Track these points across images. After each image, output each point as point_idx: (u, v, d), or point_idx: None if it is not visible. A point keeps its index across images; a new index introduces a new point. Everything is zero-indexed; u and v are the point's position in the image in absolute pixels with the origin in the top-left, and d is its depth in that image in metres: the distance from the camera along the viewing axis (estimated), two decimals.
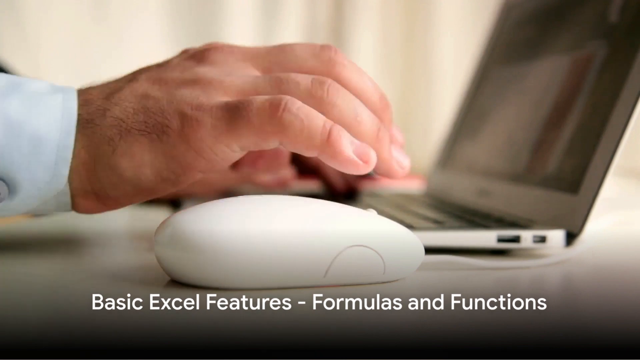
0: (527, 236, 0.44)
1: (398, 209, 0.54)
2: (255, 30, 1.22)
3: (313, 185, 0.72)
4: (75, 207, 0.40)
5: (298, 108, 0.38)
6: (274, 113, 0.37)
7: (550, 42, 0.60)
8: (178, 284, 0.35)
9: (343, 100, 0.40)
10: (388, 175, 0.42)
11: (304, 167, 0.69)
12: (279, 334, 0.29)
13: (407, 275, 0.38)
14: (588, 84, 0.51)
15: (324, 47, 0.42)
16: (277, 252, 0.34)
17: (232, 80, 0.40)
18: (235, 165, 0.49)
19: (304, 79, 0.40)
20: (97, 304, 0.33)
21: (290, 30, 1.23)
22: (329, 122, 0.38)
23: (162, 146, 0.39)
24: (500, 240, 0.44)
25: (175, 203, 0.64)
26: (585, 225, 0.44)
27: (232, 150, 0.39)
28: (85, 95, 0.40)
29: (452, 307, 0.34)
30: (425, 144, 1.24)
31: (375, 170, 0.41)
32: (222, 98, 0.39)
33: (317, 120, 0.38)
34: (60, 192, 0.39)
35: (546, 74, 0.58)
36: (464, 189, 0.64)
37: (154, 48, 1.16)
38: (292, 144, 0.38)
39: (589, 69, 0.52)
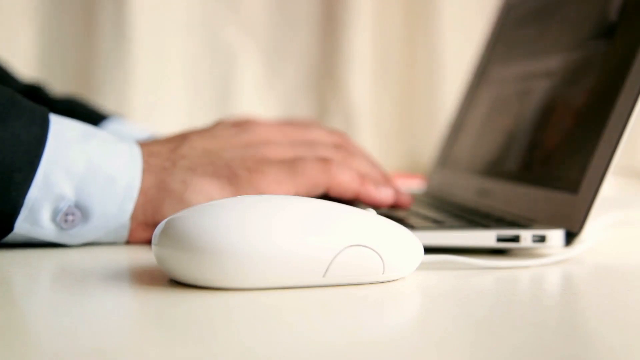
0: (526, 236, 0.44)
1: (397, 208, 0.54)
2: (262, 37, 1.22)
3: None
4: (131, 238, 0.46)
5: (339, 164, 0.50)
6: (326, 167, 0.49)
7: (550, 41, 0.60)
8: (178, 283, 0.35)
9: (356, 155, 0.55)
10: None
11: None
12: (276, 334, 0.29)
13: (406, 275, 0.38)
14: (588, 83, 0.51)
15: (337, 134, 0.56)
16: (276, 252, 0.34)
17: (274, 144, 0.51)
18: None
19: (326, 143, 0.54)
20: (97, 303, 0.33)
21: (294, 28, 1.23)
22: (359, 174, 0.51)
23: (232, 189, 0.47)
24: (500, 239, 0.44)
25: None
26: (585, 224, 0.44)
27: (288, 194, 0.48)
28: (149, 148, 0.48)
29: (452, 307, 0.34)
30: (426, 143, 1.24)
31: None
32: (273, 156, 0.50)
33: (353, 172, 0.51)
34: (122, 225, 0.45)
35: (546, 73, 0.58)
36: (464, 188, 0.64)
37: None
38: (337, 189, 0.50)
39: (589, 68, 0.52)
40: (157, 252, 0.36)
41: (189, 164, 0.47)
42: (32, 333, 0.29)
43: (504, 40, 0.70)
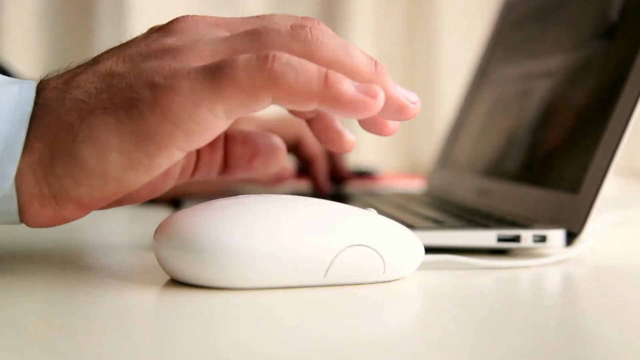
0: (527, 236, 0.44)
1: (398, 208, 0.54)
2: None
3: (303, 185, 0.72)
4: (26, 216, 0.35)
5: (288, 57, 0.34)
6: (263, 66, 0.33)
7: (551, 41, 0.60)
8: (178, 283, 0.35)
9: (329, 38, 0.36)
10: (399, 114, 0.37)
11: (301, 164, 0.70)
12: (276, 334, 0.29)
13: (407, 275, 0.38)
14: (588, 84, 0.51)
15: (304, 18, 0.38)
16: (276, 251, 0.34)
17: (204, 43, 0.36)
18: (231, 170, 0.44)
19: (283, 26, 0.36)
20: (97, 303, 0.33)
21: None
22: (323, 68, 0.34)
23: (132, 124, 0.33)
24: (500, 239, 0.44)
25: (175, 203, 0.64)
26: (586, 224, 0.44)
27: (215, 115, 0.34)
28: (43, 84, 0.35)
29: (452, 307, 0.34)
30: (427, 143, 1.24)
31: (382, 112, 0.36)
32: (197, 63, 0.35)
33: (310, 65, 0.34)
34: (5, 196, 0.34)
35: (547, 73, 0.58)
36: (465, 188, 0.64)
37: None
38: (288, 97, 0.34)
39: (590, 69, 0.52)
40: (158, 252, 0.36)
41: (79, 96, 0.34)
42: (32, 333, 0.29)
43: (505, 40, 0.70)
